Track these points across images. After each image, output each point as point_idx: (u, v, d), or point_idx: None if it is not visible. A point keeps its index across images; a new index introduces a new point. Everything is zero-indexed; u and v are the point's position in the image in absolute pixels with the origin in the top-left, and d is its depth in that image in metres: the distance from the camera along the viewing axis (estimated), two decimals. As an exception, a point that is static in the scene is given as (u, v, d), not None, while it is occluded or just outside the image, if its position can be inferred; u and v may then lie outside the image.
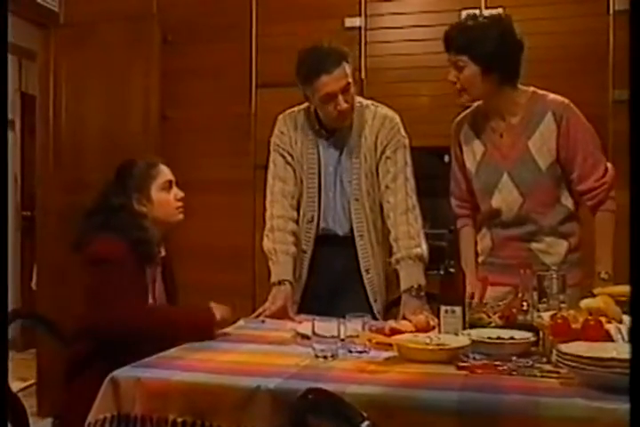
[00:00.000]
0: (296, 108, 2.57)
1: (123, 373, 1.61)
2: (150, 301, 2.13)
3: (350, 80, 2.36)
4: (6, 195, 1.59)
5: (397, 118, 2.50)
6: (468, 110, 2.42)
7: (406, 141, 2.48)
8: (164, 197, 2.19)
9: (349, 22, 3.53)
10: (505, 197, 2.29)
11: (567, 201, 2.29)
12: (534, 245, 2.28)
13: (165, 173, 2.22)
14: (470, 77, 2.19)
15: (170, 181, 2.22)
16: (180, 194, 2.23)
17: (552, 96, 2.27)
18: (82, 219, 2.14)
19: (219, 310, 2.04)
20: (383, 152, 2.45)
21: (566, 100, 2.25)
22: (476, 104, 2.37)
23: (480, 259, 2.39)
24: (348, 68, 2.35)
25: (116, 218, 2.08)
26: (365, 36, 3.52)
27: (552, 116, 2.23)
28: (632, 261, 1.02)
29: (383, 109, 2.51)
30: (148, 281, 2.12)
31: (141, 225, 2.09)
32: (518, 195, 2.27)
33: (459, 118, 2.43)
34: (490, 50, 2.16)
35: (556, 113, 2.23)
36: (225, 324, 2.07)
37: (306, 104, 2.51)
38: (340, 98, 2.34)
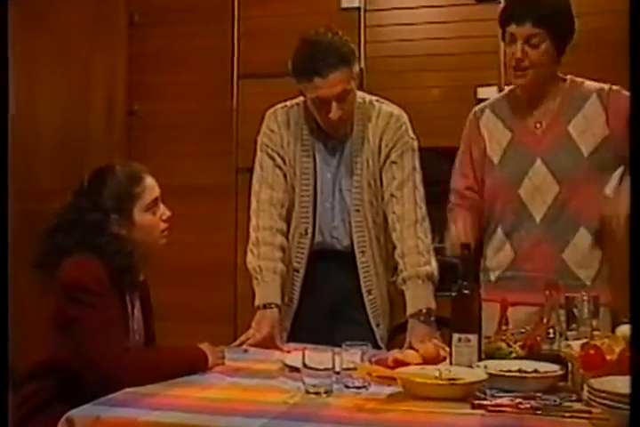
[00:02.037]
0: (288, 103, 2.56)
1: (80, 411, 1.60)
2: (131, 335, 2.10)
3: (349, 86, 2.36)
4: (6, 194, 1.58)
5: (405, 117, 2.51)
6: (490, 99, 2.47)
7: (415, 144, 2.49)
8: (149, 220, 2.12)
9: (347, 2, 3.55)
10: (537, 185, 2.31)
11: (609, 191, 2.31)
12: (567, 254, 2.30)
13: (152, 189, 2.13)
14: (544, 54, 2.23)
15: (156, 199, 2.14)
16: (167, 213, 2.16)
17: (592, 82, 2.33)
18: (47, 234, 2.07)
19: (212, 355, 2.04)
20: (388, 156, 2.46)
21: (614, 85, 2.30)
22: (505, 91, 2.41)
23: (494, 275, 2.40)
24: (348, 73, 2.34)
25: (94, 238, 2.02)
26: (365, 19, 3.54)
27: (597, 97, 2.29)
28: (632, 268, 1.04)
29: (389, 107, 2.52)
30: (129, 313, 2.10)
31: (125, 250, 2.04)
32: (554, 182, 2.30)
33: (479, 106, 2.47)
34: (569, 26, 2.24)
35: (602, 95, 2.29)
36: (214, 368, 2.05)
37: (301, 98, 2.51)
38: (334, 105, 2.34)
